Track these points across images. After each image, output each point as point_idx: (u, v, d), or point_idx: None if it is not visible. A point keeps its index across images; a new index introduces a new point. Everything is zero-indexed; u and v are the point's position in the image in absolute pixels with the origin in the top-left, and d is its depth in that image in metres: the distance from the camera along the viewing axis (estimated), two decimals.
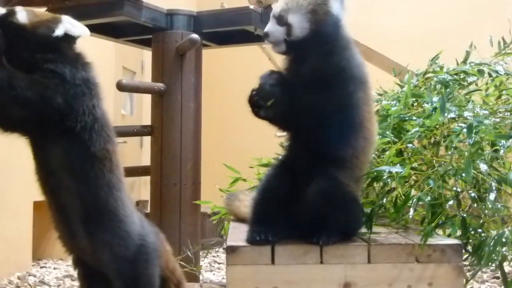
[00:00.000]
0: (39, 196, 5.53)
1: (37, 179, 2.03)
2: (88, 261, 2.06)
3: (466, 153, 1.98)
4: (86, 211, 1.94)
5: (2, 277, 4.83)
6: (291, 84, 1.92)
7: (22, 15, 1.94)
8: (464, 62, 2.71)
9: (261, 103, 1.90)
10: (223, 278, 4.85)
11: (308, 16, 1.93)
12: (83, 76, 1.97)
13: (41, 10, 2.04)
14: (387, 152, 2.20)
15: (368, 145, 2.03)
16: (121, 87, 3.69)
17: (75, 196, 1.93)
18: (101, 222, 1.96)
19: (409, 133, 2.20)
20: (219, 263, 5.73)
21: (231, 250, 1.87)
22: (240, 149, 3.95)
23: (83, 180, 1.93)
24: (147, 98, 4.62)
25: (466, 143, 2.12)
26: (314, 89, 1.87)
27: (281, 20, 1.96)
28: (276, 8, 2.00)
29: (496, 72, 2.54)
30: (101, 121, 1.99)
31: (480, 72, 2.58)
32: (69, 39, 2.02)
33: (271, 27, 1.98)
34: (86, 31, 2.08)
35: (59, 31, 1.95)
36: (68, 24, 2.00)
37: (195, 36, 3.89)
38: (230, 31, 4.25)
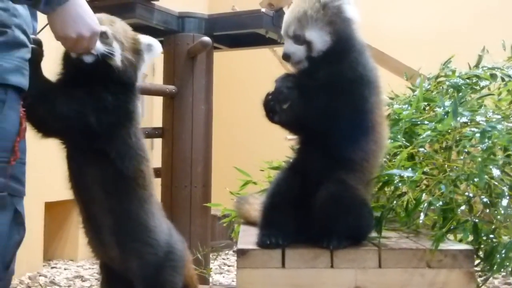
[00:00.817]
0: (50, 197, 5.55)
1: (70, 187, 2.05)
2: (115, 267, 2.07)
3: (479, 159, 1.97)
4: (117, 223, 1.97)
5: (13, 277, 4.85)
6: (307, 87, 1.90)
7: (118, 55, 1.93)
8: (477, 66, 2.69)
9: (277, 107, 1.89)
10: (232, 281, 4.85)
11: (327, 29, 1.90)
12: (124, 106, 1.99)
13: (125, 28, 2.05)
14: (398, 156, 2.19)
15: (379, 149, 2.02)
16: None
17: (107, 210, 1.96)
18: (132, 233, 1.99)
19: (421, 137, 2.18)
20: (228, 266, 5.74)
21: (241, 253, 1.87)
22: (250, 152, 3.95)
23: (115, 197, 1.97)
24: (158, 101, 4.63)
25: (479, 148, 2.11)
26: (331, 93, 1.87)
27: (298, 39, 1.92)
28: (289, 26, 1.95)
29: (509, 76, 2.53)
30: (135, 147, 2.02)
31: (493, 76, 2.56)
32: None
33: (290, 47, 1.93)
34: (159, 50, 2.09)
35: (139, 76, 2.00)
36: (147, 60, 2.02)
37: (206, 38, 3.89)
38: (241, 34, 4.26)
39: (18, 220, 1.76)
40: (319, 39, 1.90)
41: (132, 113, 2.01)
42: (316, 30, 1.90)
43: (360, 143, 1.95)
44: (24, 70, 1.74)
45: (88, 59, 1.88)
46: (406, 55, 4.77)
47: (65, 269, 5.41)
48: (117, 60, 1.92)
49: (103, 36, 1.91)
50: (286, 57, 1.95)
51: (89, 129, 1.89)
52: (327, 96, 1.87)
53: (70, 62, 1.93)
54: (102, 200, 1.95)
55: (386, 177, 2.10)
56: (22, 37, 1.73)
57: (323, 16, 1.90)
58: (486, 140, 1.98)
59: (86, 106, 1.89)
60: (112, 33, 1.94)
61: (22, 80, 1.73)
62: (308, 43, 1.91)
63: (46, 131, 1.98)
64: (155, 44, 2.03)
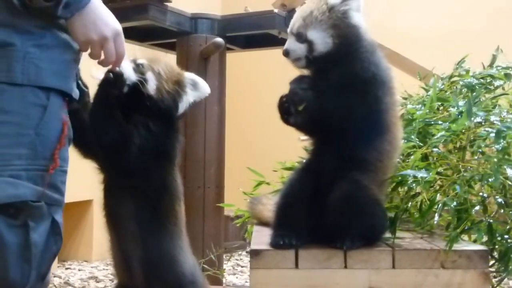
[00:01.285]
0: (65, 199, 5.60)
1: (104, 215, 2.07)
2: None
3: (494, 159, 1.96)
4: (147, 255, 1.98)
5: None
6: (321, 88, 1.90)
7: (152, 84, 1.95)
8: (491, 65, 2.68)
9: (292, 109, 1.90)
10: (246, 282, 4.85)
11: (329, 31, 1.90)
12: (164, 149, 2.02)
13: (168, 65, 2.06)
14: (412, 157, 2.18)
15: (393, 149, 2.02)
16: None
17: (139, 242, 1.98)
18: (160, 265, 2.00)
19: (435, 137, 2.18)
20: (242, 267, 5.74)
21: (254, 254, 1.87)
22: (263, 153, 3.96)
23: (148, 231, 1.99)
24: None
25: (493, 148, 2.10)
26: (345, 94, 1.87)
27: (300, 37, 1.93)
28: (294, 24, 1.97)
29: None
30: (172, 187, 2.06)
31: (507, 76, 2.54)
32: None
33: (291, 44, 1.95)
34: (206, 90, 2.08)
35: (182, 108, 2.00)
36: (191, 97, 2.02)
37: (219, 39, 3.90)
38: (254, 34, 4.26)
39: (55, 230, 1.73)
40: (320, 40, 1.91)
41: (170, 153, 2.04)
42: (318, 30, 1.91)
43: (374, 143, 1.94)
44: (68, 72, 1.72)
45: (124, 88, 1.91)
46: (420, 54, 4.75)
47: (79, 270, 5.44)
48: (150, 88, 1.93)
49: (139, 66, 1.95)
50: (286, 53, 1.96)
51: (126, 167, 1.93)
52: (341, 97, 1.88)
53: (108, 94, 1.93)
54: (134, 233, 1.98)
55: (400, 178, 2.10)
56: (64, 36, 1.72)
57: (327, 18, 1.90)
58: (501, 140, 1.97)
59: (126, 142, 1.91)
60: (149, 64, 1.97)
61: (66, 84, 1.71)
62: (309, 43, 1.92)
63: (86, 154, 2.02)
64: (201, 82, 2.04)
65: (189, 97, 2.01)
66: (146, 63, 1.97)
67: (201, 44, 4.08)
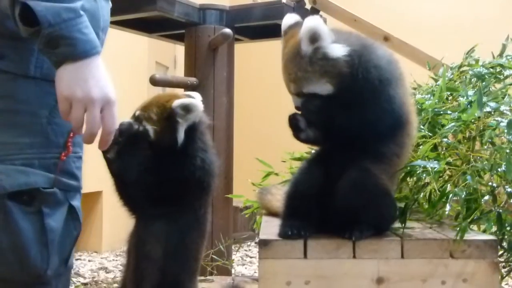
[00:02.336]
0: None
1: (128, 237, 2.11)
2: None
3: (507, 150, 1.94)
4: (161, 284, 1.99)
5: None
6: (330, 102, 1.91)
7: (150, 132, 1.99)
8: (500, 55, 2.66)
9: (302, 125, 1.92)
10: (255, 272, 4.87)
11: (323, 79, 1.87)
12: (199, 175, 2.03)
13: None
14: (421, 147, 2.18)
15: (410, 141, 2.02)
16: (154, 81, 3.74)
17: (158, 269, 1.99)
18: None
19: (446, 127, 2.17)
20: (251, 257, 5.76)
21: (263, 244, 1.88)
22: (272, 143, 3.96)
23: (168, 261, 1.99)
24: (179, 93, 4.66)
25: (503, 137, 2.09)
26: (358, 109, 1.87)
27: (302, 95, 1.92)
28: (288, 87, 1.96)
29: None
30: (201, 220, 2.09)
31: None
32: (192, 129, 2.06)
33: (298, 101, 1.95)
34: (199, 107, 2.03)
35: (180, 137, 2.00)
36: (185, 123, 2.01)
37: (227, 30, 3.90)
38: (262, 25, 4.25)
39: (73, 216, 1.75)
40: (320, 89, 1.89)
41: (199, 179, 2.04)
42: (313, 84, 1.88)
43: (395, 137, 1.95)
44: None
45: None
46: (429, 44, 4.73)
47: (89, 260, 5.47)
48: (150, 134, 2.00)
49: (137, 119, 2.01)
50: (298, 109, 1.97)
51: (159, 201, 1.98)
52: (352, 108, 1.88)
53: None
54: (157, 259, 1.99)
55: (409, 168, 2.09)
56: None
57: (313, 72, 1.86)
58: None
59: (146, 173, 1.98)
60: (141, 114, 2.01)
61: None
62: (313, 95, 1.91)
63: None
64: (191, 102, 2.00)
65: (183, 125, 1.99)
66: (140, 114, 2.02)
67: (209, 35, 4.08)
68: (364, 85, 1.88)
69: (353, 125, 1.88)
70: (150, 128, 1.99)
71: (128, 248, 2.10)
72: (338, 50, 1.86)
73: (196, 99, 2.04)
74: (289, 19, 2.02)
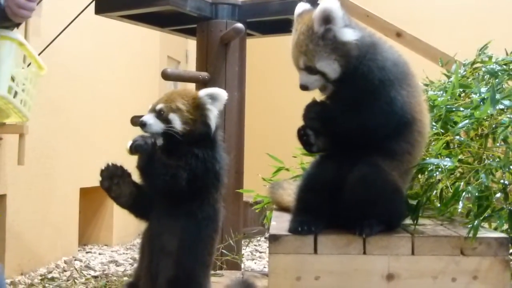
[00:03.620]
0: (86, 183, 5.65)
1: (144, 235, 2.12)
2: None
3: None
4: (177, 276, 2.00)
5: (49, 261, 4.97)
6: (334, 108, 1.94)
7: (177, 123, 2.00)
8: None
9: (311, 140, 1.95)
10: (264, 267, 4.88)
11: (332, 56, 1.91)
12: (215, 169, 2.05)
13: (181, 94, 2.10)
14: (433, 144, 2.17)
15: (423, 139, 2.01)
16: (166, 76, 3.74)
17: (174, 262, 2.00)
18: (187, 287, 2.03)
19: (459, 125, 2.17)
20: (260, 252, 5.78)
21: (274, 239, 1.89)
22: (284, 139, 3.95)
23: (184, 255, 2.01)
24: (191, 87, 4.68)
25: None
26: (358, 110, 1.88)
27: (310, 70, 1.94)
28: (297, 60, 1.98)
29: None
30: (218, 213, 2.11)
31: None
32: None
33: (306, 78, 1.96)
34: (224, 96, 2.09)
35: (212, 124, 2.05)
36: (215, 110, 2.06)
37: (239, 25, 3.90)
38: (274, 20, 4.25)
39: None
40: (329, 67, 1.92)
41: (219, 172, 2.07)
42: (324, 59, 1.91)
43: (404, 135, 1.94)
44: None
45: (159, 142, 1.98)
46: (442, 39, 4.70)
47: (99, 254, 5.51)
48: (178, 127, 1.99)
49: (160, 112, 2.00)
50: (304, 88, 1.98)
51: (183, 194, 1.99)
52: (356, 112, 1.89)
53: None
54: (173, 253, 2.00)
55: (420, 165, 2.09)
56: None
57: (324, 46, 1.91)
58: None
59: (178, 172, 1.96)
60: (167, 105, 2.01)
61: None
62: (321, 73, 1.93)
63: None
64: (216, 91, 2.07)
65: (214, 112, 2.05)
66: (164, 106, 2.02)
67: (221, 30, 4.08)
68: (364, 83, 1.89)
69: (354, 126, 1.89)
70: (176, 119, 1.99)
71: (142, 242, 2.11)
72: (349, 35, 1.90)
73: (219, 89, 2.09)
74: (302, 6, 2.03)
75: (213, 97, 2.05)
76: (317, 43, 1.91)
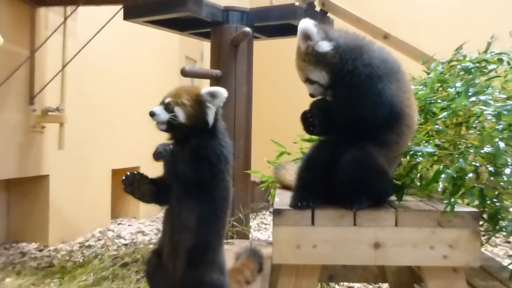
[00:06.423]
0: (116, 165, 5.68)
1: (165, 212, 2.12)
2: (172, 285, 2.09)
3: (496, 139, 1.92)
4: (195, 247, 2.00)
5: (86, 232, 5.01)
6: (335, 100, 1.94)
7: (181, 116, 2.00)
8: (485, 51, 2.63)
9: (315, 122, 1.94)
10: (269, 237, 4.91)
11: (318, 67, 1.92)
12: (224, 154, 2.03)
13: (185, 89, 2.09)
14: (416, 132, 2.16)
15: (410, 132, 1.99)
16: (184, 73, 3.74)
17: (193, 234, 2.00)
18: (203, 253, 2.02)
19: (439, 116, 2.16)
20: (265, 224, 5.80)
21: (277, 213, 1.89)
22: (285, 127, 3.96)
23: (202, 229, 2.01)
24: (206, 83, 4.67)
25: (486, 123, 2.08)
26: (351, 100, 1.87)
27: (310, 81, 1.96)
28: (300, 75, 2.01)
29: None
30: (228, 193, 2.10)
31: (500, 60, 2.50)
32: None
33: (310, 88, 1.99)
34: (224, 94, 2.06)
35: (210, 120, 2.03)
36: (213, 107, 2.04)
37: (247, 29, 3.89)
38: (278, 25, 4.23)
39: None
40: (319, 77, 1.93)
41: (227, 156, 2.06)
42: (313, 71, 1.94)
43: (394, 128, 1.92)
44: None
45: (162, 127, 2.01)
46: (423, 40, 4.66)
47: (129, 225, 5.55)
48: (181, 118, 1.99)
49: (168, 105, 2.00)
50: (311, 96, 2.01)
51: (201, 180, 1.98)
52: (349, 103, 1.88)
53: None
54: (191, 227, 2.00)
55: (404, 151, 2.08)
56: None
57: (309, 60, 1.93)
58: (502, 122, 1.96)
59: (198, 166, 1.97)
60: (173, 101, 2.01)
61: None
62: (316, 82, 1.95)
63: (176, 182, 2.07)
64: (216, 89, 2.05)
65: (212, 109, 2.04)
66: (171, 100, 2.02)
67: (231, 33, 4.08)
68: (352, 79, 1.87)
69: (347, 116, 1.88)
70: (181, 113, 2.00)
71: (164, 218, 2.12)
72: (324, 46, 1.91)
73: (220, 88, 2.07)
74: (305, 22, 2.01)
75: (213, 95, 2.03)
76: (304, 59, 1.95)
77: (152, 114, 2.00)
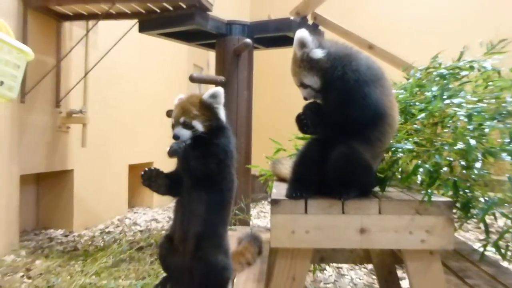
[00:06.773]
0: (133, 160, 5.66)
1: (176, 201, 2.11)
2: (182, 266, 2.08)
3: (467, 137, 1.92)
4: (204, 231, 2.00)
5: (106, 219, 5.01)
6: (327, 104, 1.93)
7: (199, 126, 1.98)
8: (459, 59, 2.62)
9: (308, 123, 1.92)
10: (267, 224, 4.90)
11: (311, 73, 1.91)
12: (230, 149, 2.05)
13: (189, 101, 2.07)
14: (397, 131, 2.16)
15: (392, 130, 1.98)
16: (192, 79, 3.74)
17: (202, 220, 2.00)
18: (209, 238, 2.02)
19: (418, 117, 2.15)
20: (264, 213, 5.80)
21: (274, 203, 1.89)
22: (282, 127, 3.95)
23: (209, 217, 2.01)
24: (211, 88, 4.67)
25: (458, 123, 2.08)
26: (340, 104, 1.86)
27: (304, 85, 1.95)
28: (294, 80, 1.99)
29: (484, 68, 2.46)
30: (233, 185, 2.10)
31: (471, 68, 2.49)
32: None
33: (303, 92, 1.97)
34: (221, 92, 2.05)
35: (222, 117, 2.03)
36: (219, 105, 2.04)
37: (248, 40, 3.89)
38: (275, 36, 4.23)
39: None
40: (311, 81, 1.92)
41: (233, 151, 2.07)
42: (306, 76, 1.92)
43: (377, 126, 1.91)
44: None
45: (188, 142, 1.97)
46: (404, 48, 4.66)
47: (144, 214, 5.55)
48: (200, 128, 1.98)
49: (185, 123, 1.97)
50: (305, 99, 1.99)
51: (210, 174, 1.99)
52: (338, 108, 1.86)
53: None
54: (200, 215, 2.00)
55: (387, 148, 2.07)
56: None
57: (304, 66, 1.91)
58: (473, 122, 1.95)
59: (208, 162, 1.97)
60: (187, 117, 1.99)
61: None
62: (310, 86, 1.94)
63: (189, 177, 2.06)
64: (213, 90, 2.04)
65: (220, 108, 2.04)
66: (186, 118, 1.99)
67: (234, 44, 4.08)
68: (341, 84, 1.86)
69: (337, 117, 1.87)
70: (198, 124, 1.98)
71: (175, 207, 2.11)
72: (318, 53, 1.90)
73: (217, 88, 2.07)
74: (300, 33, 2.01)
75: (213, 96, 2.02)
76: (299, 65, 1.93)
77: (176, 137, 1.96)
